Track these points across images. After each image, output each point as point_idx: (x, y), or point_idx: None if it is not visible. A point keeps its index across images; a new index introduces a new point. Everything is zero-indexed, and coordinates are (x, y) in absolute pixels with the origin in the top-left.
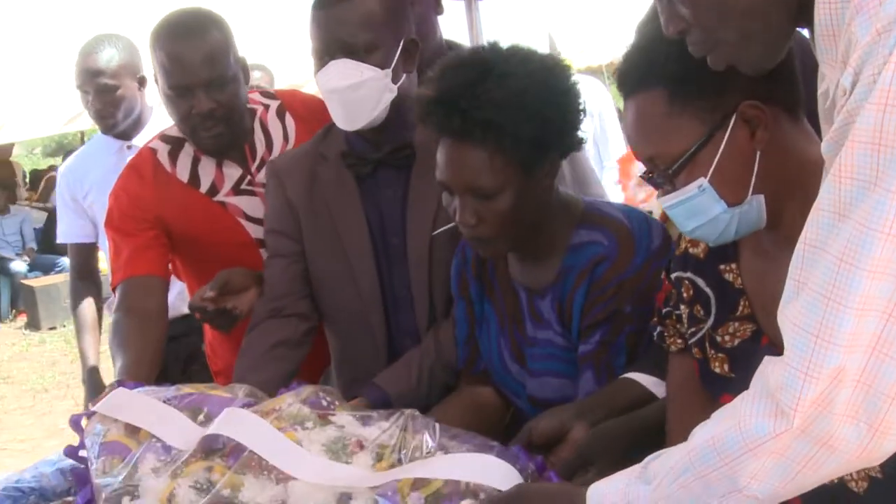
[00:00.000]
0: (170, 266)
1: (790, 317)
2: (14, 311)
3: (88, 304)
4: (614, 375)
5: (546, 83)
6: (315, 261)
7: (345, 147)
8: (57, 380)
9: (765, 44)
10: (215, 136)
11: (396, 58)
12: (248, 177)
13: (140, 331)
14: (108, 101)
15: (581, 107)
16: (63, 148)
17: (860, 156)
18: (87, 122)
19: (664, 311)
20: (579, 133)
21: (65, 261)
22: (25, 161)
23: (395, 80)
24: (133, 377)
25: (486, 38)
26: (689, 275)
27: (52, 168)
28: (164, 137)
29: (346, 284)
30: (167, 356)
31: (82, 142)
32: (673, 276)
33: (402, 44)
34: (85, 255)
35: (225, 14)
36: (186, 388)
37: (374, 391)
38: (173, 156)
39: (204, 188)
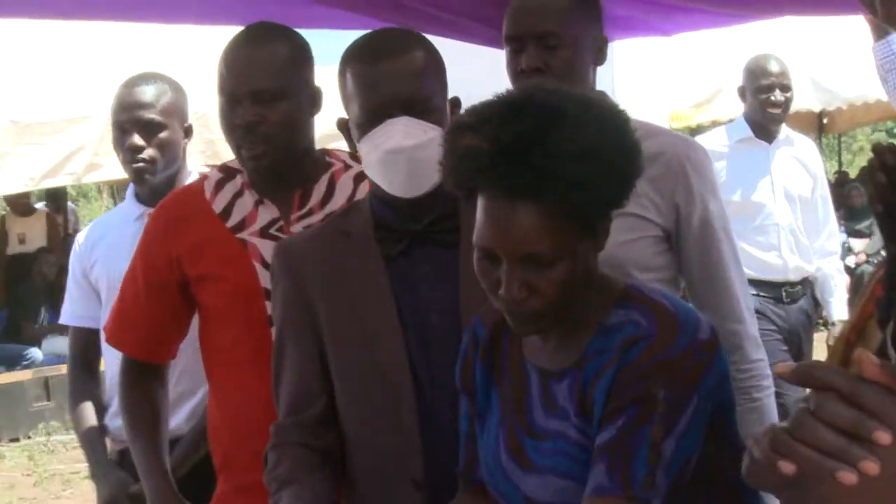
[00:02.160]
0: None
1: None
2: None
3: (89, 406)
4: (629, 472)
5: (620, 134)
6: (336, 351)
7: (372, 221)
8: None
9: None
10: (256, 157)
11: (449, 118)
12: (281, 223)
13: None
14: (150, 141)
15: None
16: None
17: None
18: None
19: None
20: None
21: (35, 353)
22: None
23: None
24: (157, 468)
25: None
26: None
27: None
28: (223, 167)
29: (371, 370)
30: None
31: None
32: None
33: (448, 102)
34: (85, 341)
35: None
36: None
37: None
38: (220, 185)
39: (231, 223)
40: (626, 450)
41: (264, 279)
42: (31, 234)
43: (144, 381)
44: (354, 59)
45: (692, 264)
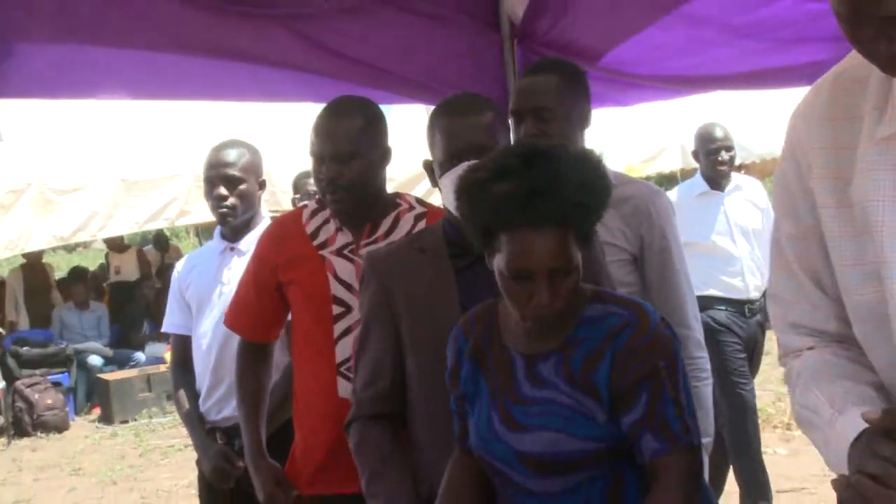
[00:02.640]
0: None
1: None
2: (89, 404)
3: (188, 394)
4: (670, 430)
5: (597, 167)
6: (412, 348)
7: (443, 240)
8: (125, 472)
9: None
10: (336, 201)
11: None
12: (353, 246)
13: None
14: (232, 192)
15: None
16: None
17: None
18: (155, 226)
19: None
20: None
21: (140, 356)
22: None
23: None
24: (254, 428)
25: None
26: None
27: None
28: (319, 200)
29: (442, 364)
30: None
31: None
32: None
33: None
34: (182, 344)
35: None
36: None
37: None
38: (314, 213)
39: (316, 242)
40: (659, 416)
41: (334, 288)
42: (125, 267)
43: (254, 357)
44: (440, 114)
45: (652, 281)
